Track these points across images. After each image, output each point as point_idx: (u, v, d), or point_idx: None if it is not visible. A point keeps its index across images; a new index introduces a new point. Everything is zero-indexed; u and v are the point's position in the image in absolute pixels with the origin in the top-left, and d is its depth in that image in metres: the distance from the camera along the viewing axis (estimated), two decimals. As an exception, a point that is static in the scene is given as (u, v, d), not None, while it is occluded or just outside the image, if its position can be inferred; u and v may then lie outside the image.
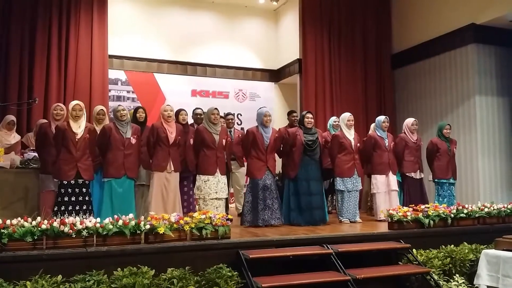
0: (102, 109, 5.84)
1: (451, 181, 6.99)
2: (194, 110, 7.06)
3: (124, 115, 5.53)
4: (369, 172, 6.97)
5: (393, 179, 6.66)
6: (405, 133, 6.98)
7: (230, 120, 7.32)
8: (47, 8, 8.01)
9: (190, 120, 6.86)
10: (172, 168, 5.72)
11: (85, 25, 8.23)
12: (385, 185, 6.62)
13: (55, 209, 5.02)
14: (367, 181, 7.29)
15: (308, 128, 6.28)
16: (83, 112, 5.24)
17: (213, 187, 5.80)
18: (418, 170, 6.87)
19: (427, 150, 7.12)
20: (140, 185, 6.00)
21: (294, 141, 6.19)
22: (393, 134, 7.38)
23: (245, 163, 6.55)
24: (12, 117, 6.65)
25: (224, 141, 5.99)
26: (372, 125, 7.12)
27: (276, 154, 6.34)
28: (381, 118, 6.84)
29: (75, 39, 8.15)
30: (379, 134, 6.74)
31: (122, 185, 5.38)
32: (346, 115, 6.63)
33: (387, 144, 6.70)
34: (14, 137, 6.60)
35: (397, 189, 6.70)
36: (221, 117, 6.59)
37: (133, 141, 5.51)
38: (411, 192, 6.80)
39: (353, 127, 6.62)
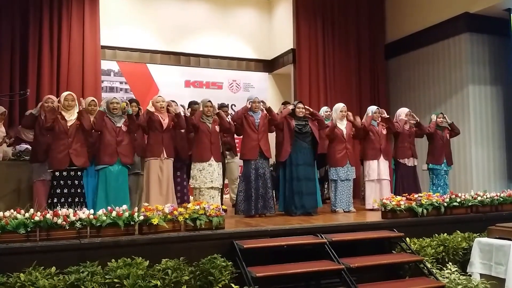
0: (93, 100, 5.81)
1: (445, 168, 7.02)
2: (190, 103, 7.02)
3: (116, 108, 5.49)
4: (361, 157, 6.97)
5: (384, 168, 6.66)
6: (397, 122, 6.97)
7: (225, 111, 7.28)
8: (38, -2, 7.93)
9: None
10: (165, 155, 5.71)
11: (77, 15, 8.14)
12: (376, 173, 6.63)
13: (49, 201, 4.99)
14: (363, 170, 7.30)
15: (299, 117, 6.28)
16: (75, 102, 5.22)
17: (208, 176, 5.82)
18: (412, 157, 6.90)
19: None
20: (134, 174, 5.98)
21: (283, 125, 6.21)
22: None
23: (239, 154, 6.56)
24: (3, 108, 6.59)
25: (217, 127, 6.00)
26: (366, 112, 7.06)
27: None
28: (373, 108, 6.85)
29: (67, 30, 8.06)
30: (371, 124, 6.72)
31: (116, 174, 5.34)
32: (340, 106, 6.65)
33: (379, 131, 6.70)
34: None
35: (388, 178, 6.71)
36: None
37: (124, 129, 5.48)
38: (404, 179, 6.82)
39: (345, 117, 6.60)
